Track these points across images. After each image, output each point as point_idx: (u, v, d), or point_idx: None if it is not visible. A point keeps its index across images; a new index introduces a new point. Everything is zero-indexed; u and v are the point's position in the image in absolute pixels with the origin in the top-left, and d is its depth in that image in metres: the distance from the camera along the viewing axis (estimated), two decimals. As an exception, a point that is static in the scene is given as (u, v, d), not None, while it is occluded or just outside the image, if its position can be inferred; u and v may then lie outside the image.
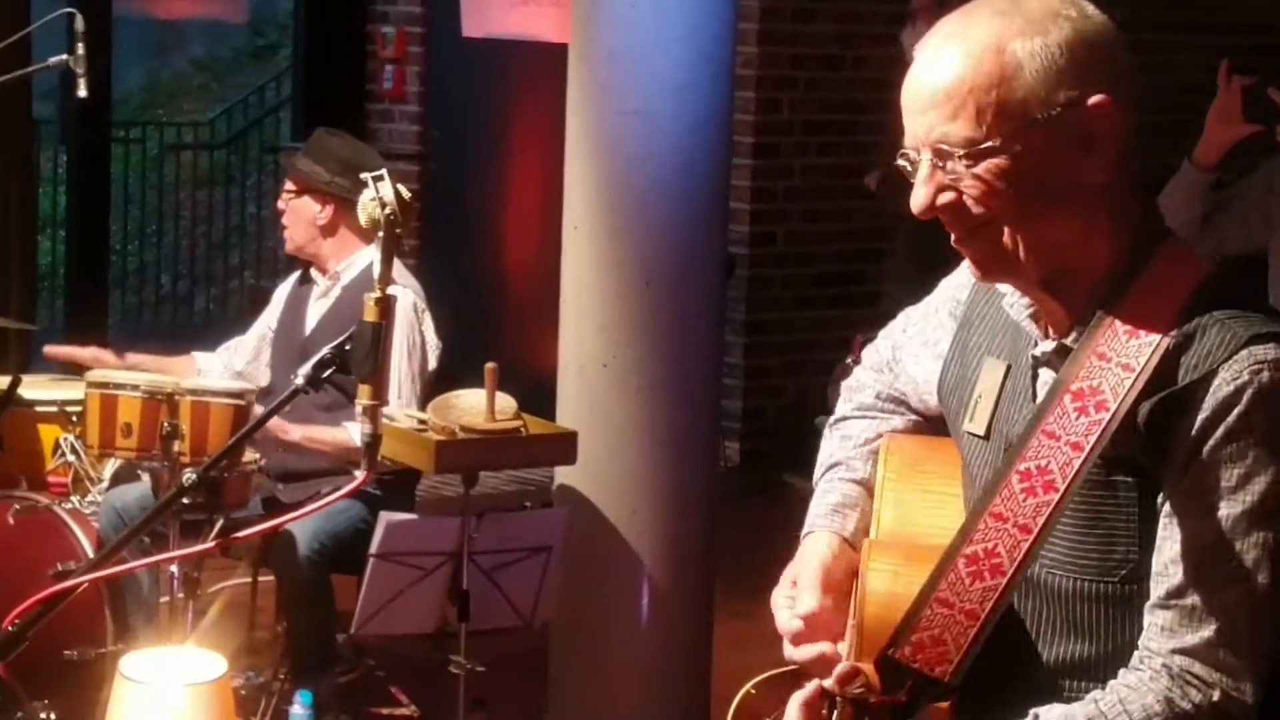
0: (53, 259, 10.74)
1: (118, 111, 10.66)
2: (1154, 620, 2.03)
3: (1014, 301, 2.17)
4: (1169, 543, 2.01)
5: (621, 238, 4.69)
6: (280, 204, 5.31)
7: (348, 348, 2.21)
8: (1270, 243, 4.61)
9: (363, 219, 2.19)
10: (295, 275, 5.45)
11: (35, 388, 5.30)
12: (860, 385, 2.49)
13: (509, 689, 5.06)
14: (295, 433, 4.97)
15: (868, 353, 2.50)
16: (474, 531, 4.59)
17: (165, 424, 4.58)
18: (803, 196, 8.23)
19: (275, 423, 4.90)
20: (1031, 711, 2.05)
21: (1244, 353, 1.97)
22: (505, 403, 4.70)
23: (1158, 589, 2.02)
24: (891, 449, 2.36)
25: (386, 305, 2.18)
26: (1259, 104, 4.46)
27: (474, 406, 4.68)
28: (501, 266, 8.71)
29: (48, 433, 5.24)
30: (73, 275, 8.77)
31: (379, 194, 2.15)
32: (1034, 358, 2.13)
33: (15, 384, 4.99)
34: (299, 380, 2.24)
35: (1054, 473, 2.00)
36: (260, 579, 5.23)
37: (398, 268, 5.07)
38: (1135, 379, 1.99)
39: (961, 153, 2.01)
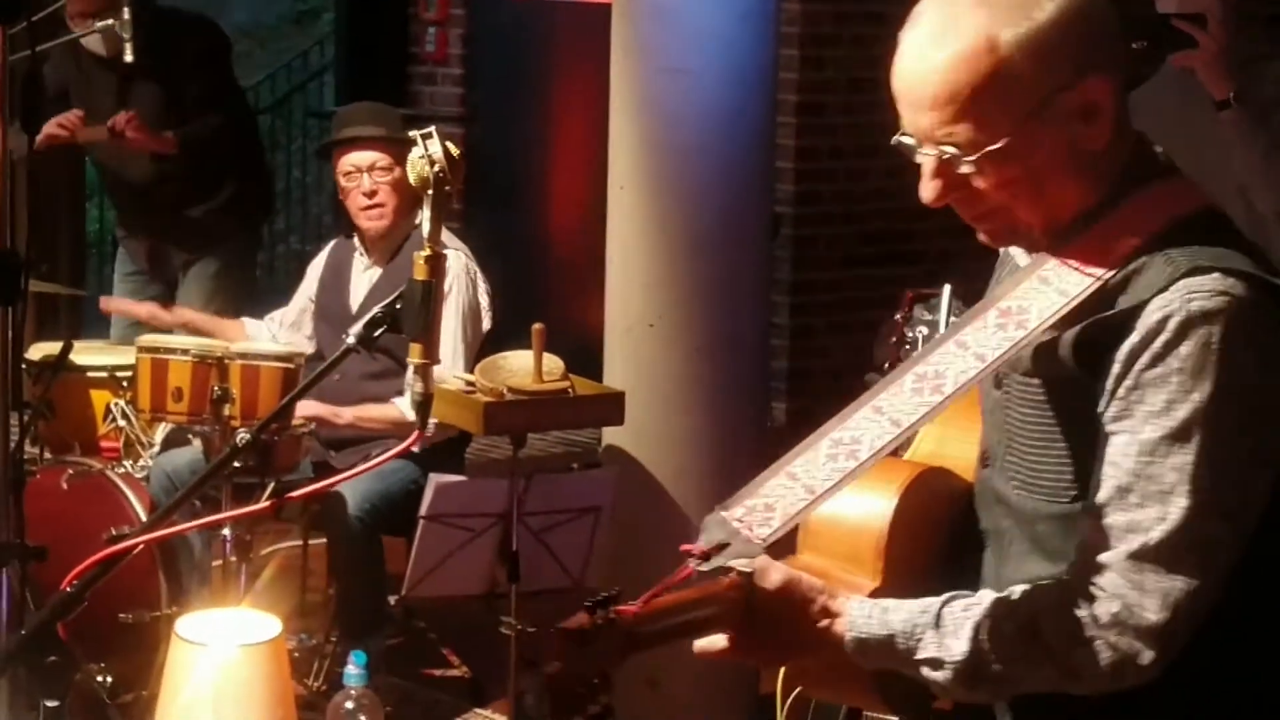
0: (101, 226, 10.77)
1: (163, 78, 10.66)
2: (1080, 532, 2.05)
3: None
4: (1100, 460, 2.03)
5: (667, 197, 4.68)
6: (369, 184, 5.11)
7: (398, 306, 2.21)
8: None
9: (411, 177, 2.19)
10: (329, 246, 5.44)
11: (86, 353, 5.32)
12: None
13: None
14: (347, 415, 5.00)
15: None
16: (523, 493, 4.60)
17: (215, 388, 4.60)
18: (848, 154, 8.20)
19: (327, 410, 4.94)
20: (952, 592, 2.09)
21: (1180, 282, 1.98)
22: (553, 364, 4.70)
23: (1088, 502, 2.05)
24: None
25: (437, 263, 2.19)
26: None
27: (521, 368, 4.68)
28: (547, 227, 8.71)
29: (99, 398, 5.26)
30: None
31: (428, 151, 2.15)
32: None
33: (67, 350, 5.00)
34: (350, 339, 2.25)
35: (947, 378, 2.04)
36: (311, 542, 5.26)
37: (445, 232, 5.07)
38: (1066, 304, 2.01)
39: (971, 159, 2.02)
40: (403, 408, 4.93)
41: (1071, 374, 2.04)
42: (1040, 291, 2.04)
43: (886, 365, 3.70)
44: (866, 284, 8.19)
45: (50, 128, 5.76)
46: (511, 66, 8.59)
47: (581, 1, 7.97)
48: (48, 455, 5.13)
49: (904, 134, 2.08)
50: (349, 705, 3.62)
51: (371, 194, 5.13)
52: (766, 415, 5.25)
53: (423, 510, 4.57)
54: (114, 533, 4.47)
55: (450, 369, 4.87)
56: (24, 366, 4.81)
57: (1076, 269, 2.04)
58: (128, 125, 5.68)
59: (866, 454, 2.03)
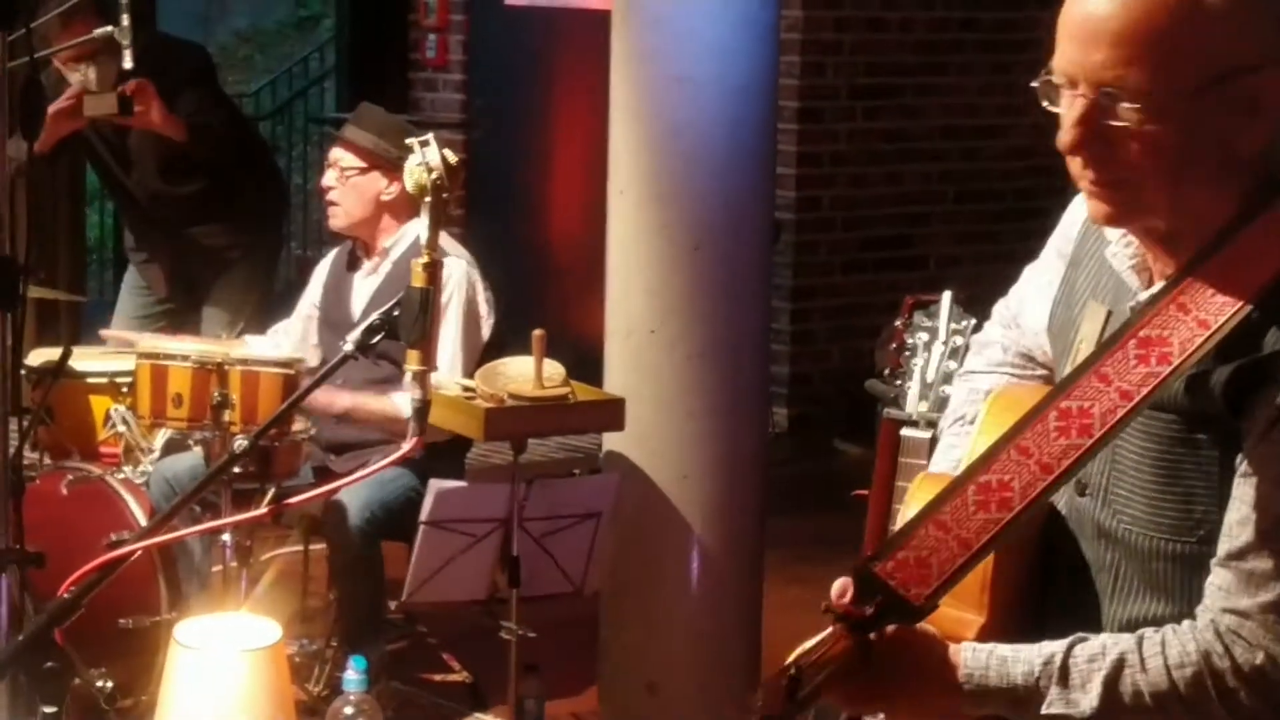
0: (101, 232, 10.79)
1: (163, 84, 10.68)
2: (1213, 578, 1.99)
3: (1117, 251, 2.10)
4: (1239, 504, 1.96)
5: (667, 203, 4.68)
6: (329, 180, 5.20)
7: (396, 314, 2.22)
8: None
9: (409, 185, 2.20)
10: (333, 254, 5.44)
11: (86, 359, 5.33)
12: (989, 340, 2.46)
13: (560, 654, 5.08)
14: (344, 401, 4.98)
15: (998, 307, 2.46)
16: (524, 498, 4.60)
17: (216, 394, 4.59)
18: (848, 161, 8.21)
19: (324, 396, 4.92)
20: (1075, 635, 2.03)
21: None
22: (553, 369, 4.70)
23: (1222, 547, 1.97)
24: (998, 395, 2.31)
25: (434, 271, 2.19)
26: None
27: (522, 373, 4.68)
28: (547, 233, 8.71)
29: (99, 404, 5.26)
30: (121, 248, 8.81)
31: (425, 159, 2.15)
32: (1133, 309, 2.05)
33: (66, 355, 5.01)
34: (348, 346, 2.25)
35: (1094, 417, 1.95)
36: (311, 548, 5.25)
37: (447, 239, 5.07)
38: (1209, 337, 1.93)
39: (1135, 106, 1.90)
40: (399, 402, 4.92)
41: (1216, 412, 1.96)
42: (1180, 321, 1.94)
43: (887, 371, 3.70)
44: (867, 290, 8.21)
45: (54, 109, 5.76)
46: (512, 73, 8.60)
47: (582, 9, 7.97)
48: (47, 461, 5.13)
49: (1050, 77, 1.96)
50: (349, 710, 3.62)
51: (328, 190, 5.22)
52: (767, 420, 5.25)
53: (423, 515, 4.57)
54: (114, 538, 4.47)
55: (451, 375, 4.87)
56: (24, 372, 4.82)
57: (1216, 295, 1.94)
58: (137, 91, 5.65)
59: (1019, 503, 1.95)
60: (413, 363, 2.20)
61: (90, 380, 5.26)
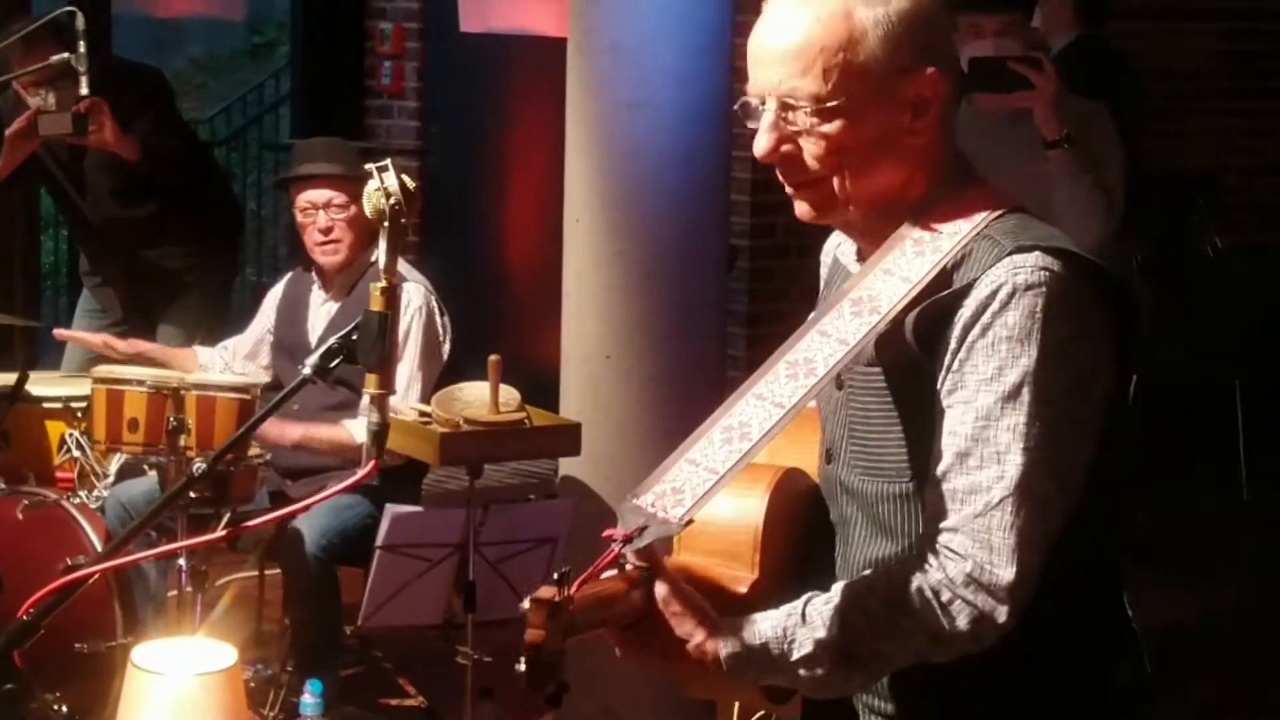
0: (55, 258, 10.76)
1: (118, 110, 10.65)
2: (926, 504, 2.18)
3: (845, 250, 2.40)
4: (940, 433, 2.16)
5: (622, 230, 4.71)
6: (324, 222, 5.16)
7: (354, 338, 2.23)
8: None
9: (368, 210, 2.21)
10: (287, 278, 5.45)
11: (41, 384, 5.32)
12: None
13: (516, 679, 5.08)
14: (296, 432, 4.99)
15: None
16: (479, 523, 4.61)
17: (171, 419, 4.60)
18: (802, 187, 8.24)
19: (275, 428, 4.92)
20: (807, 595, 2.18)
21: (1007, 259, 2.15)
22: (509, 395, 4.72)
23: (930, 474, 2.17)
24: None
25: (392, 295, 2.21)
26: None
27: (478, 399, 4.70)
28: (503, 260, 8.73)
29: (54, 428, 5.26)
30: (76, 273, 8.79)
31: (384, 184, 2.17)
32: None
33: (22, 380, 5.01)
34: (306, 370, 2.27)
35: (817, 362, 2.18)
36: (267, 572, 5.25)
37: (404, 264, 5.08)
38: (911, 289, 2.17)
39: (809, 108, 2.19)
40: (352, 430, 4.93)
41: (912, 357, 2.18)
42: (886, 281, 2.19)
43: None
44: (821, 316, 8.23)
45: (10, 132, 5.77)
46: (467, 100, 8.61)
47: (537, 36, 8.00)
48: (2, 485, 5.12)
49: (746, 98, 2.25)
50: (305, 735, 3.63)
51: (327, 230, 5.16)
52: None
53: (379, 540, 4.58)
54: (70, 563, 4.46)
55: (407, 400, 4.88)
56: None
57: (917, 258, 2.19)
58: (90, 109, 5.63)
59: (758, 435, 2.14)
60: (371, 386, 2.21)
61: (46, 405, 5.26)
